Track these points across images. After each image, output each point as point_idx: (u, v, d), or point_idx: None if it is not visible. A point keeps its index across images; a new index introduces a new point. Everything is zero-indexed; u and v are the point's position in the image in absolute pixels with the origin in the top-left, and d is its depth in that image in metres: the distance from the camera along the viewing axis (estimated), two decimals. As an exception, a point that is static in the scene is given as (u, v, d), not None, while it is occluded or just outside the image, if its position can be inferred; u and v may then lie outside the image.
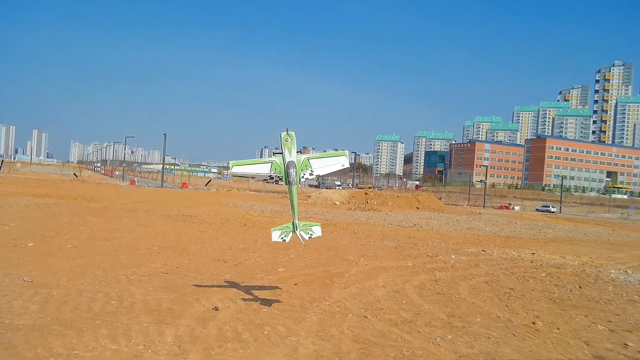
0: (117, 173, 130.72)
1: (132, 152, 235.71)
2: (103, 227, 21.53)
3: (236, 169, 9.77)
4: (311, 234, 9.70)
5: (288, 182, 9.77)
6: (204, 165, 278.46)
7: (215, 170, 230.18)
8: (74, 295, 10.10)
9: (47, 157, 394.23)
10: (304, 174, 9.99)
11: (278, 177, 9.85)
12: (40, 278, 11.35)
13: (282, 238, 9.61)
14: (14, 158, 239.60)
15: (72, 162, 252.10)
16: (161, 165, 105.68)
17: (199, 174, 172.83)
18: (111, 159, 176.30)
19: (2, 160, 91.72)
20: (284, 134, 10.09)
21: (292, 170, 9.77)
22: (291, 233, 9.64)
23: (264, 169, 9.84)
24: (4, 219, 21.37)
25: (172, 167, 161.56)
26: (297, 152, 10.17)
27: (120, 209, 30.88)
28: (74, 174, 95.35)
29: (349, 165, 10.49)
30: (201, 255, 16.19)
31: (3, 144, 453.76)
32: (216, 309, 9.85)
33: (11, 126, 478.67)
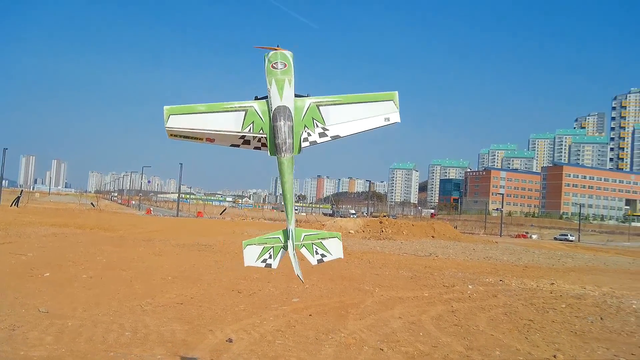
0: (133, 202, 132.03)
1: (149, 182, 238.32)
2: (119, 256, 21.64)
3: (175, 122, 5.22)
4: (323, 255, 5.32)
5: (275, 148, 5.27)
6: (219, 194, 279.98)
7: (231, 199, 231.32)
8: (89, 326, 10.10)
9: (66, 187, 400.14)
10: (309, 134, 5.36)
11: (260, 140, 5.38)
12: (56, 308, 11.39)
13: (264, 261, 5.28)
14: (33, 188, 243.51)
15: (90, 192, 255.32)
16: (177, 195, 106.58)
17: (214, 203, 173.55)
18: (128, 188, 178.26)
19: (22, 190, 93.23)
20: (270, 54, 5.47)
21: (282, 122, 5.24)
22: (281, 252, 5.31)
23: (229, 123, 5.31)
24: (22, 249, 21.59)
25: (188, 196, 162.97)
26: (294, 92, 5.47)
27: (136, 239, 31.06)
28: (92, 203, 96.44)
29: (398, 120, 5.39)
30: (215, 285, 16.15)
31: (23, 174, 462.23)
32: (230, 340, 9.77)
33: (31, 157, 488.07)
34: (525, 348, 10.56)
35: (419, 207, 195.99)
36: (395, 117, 5.39)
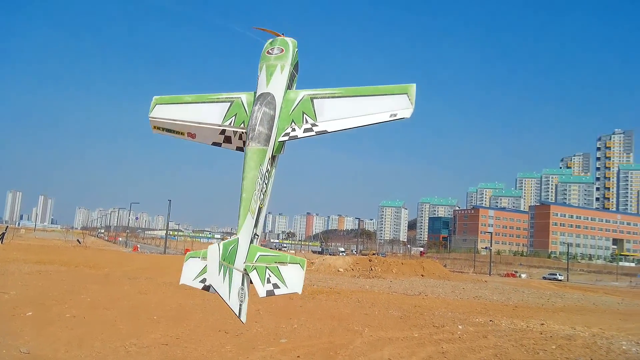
0: (120, 239, 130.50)
1: (137, 218, 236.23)
2: (104, 295, 21.26)
3: (160, 112, 4.97)
4: (276, 285, 4.08)
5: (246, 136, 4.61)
6: (208, 231, 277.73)
7: (219, 236, 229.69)
8: (71, 368, 9.85)
9: (52, 223, 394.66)
10: (292, 129, 4.66)
11: (241, 137, 4.80)
12: (38, 349, 11.11)
13: (202, 282, 4.29)
14: (19, 224, 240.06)
15: (76, 228, 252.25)
16: (165, 231, 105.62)
17: (202, 240, 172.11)
18: (115, 224, 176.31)
19: (7, 226, 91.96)
20: (269, 40, 5.11)
21: (256, 107, 4.63)
22: (222, 269, 3.97)
23: (212, 115, 4.87)
24: (5, 287, 21.12)
25: (176, 233, 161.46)
26: (289, 82, 4.95)
27: (122, 276, 30.57)
28: (77, 240, 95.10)
29: (408, 115, 4.52)
30: (202, 325, 15.87)
31: (9, 210, 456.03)
32: (216, 383, 9.55)
33: (18, 192, 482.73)
34: (515, 391, 10.44)
35: (408, 245, 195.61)
36: (405, 113, 4.52)
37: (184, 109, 4.96)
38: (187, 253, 4.61)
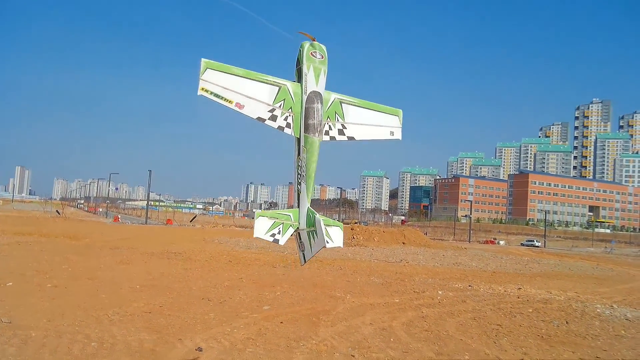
0: (100, 210, 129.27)
1: (117, 189, 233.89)
2: (85, 265, 21.15)
3: (212, 77, 5.21)
4: (328, 241, 5.37)
5: (306, 128, 5.59)
6: (189, 202, 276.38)
7: (201, 207, 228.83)
8: (53, 337, 9.83)
9: (30, 194, 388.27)
10: (330, 127, 5.75)
11: (285, 118, 5.56)
12: (19, 319, 11.05)
13: (272, 235, 5.36)
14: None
15: (55, 199, 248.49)
16: (146, 202, 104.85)
17: (184, 210, 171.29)
18: (95, 195, 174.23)
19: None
20: (310, 43, 5.72)
21: (319, 105, 5.61)
22: (290, 230, 5.52)
23: (262, 93, 5.48)
24: (-17, 258, 20.89)
25: (157, 203, 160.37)
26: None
27: (103, 247, 30.40)
28: (57, 211, 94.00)
29: (400, 137, 6.16)
30: (185, 293, 15.93)
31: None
32: (200, 349, 9.65)
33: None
34: (493, 352, 10.74)
35: (390, 214, 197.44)
36: (398, 134, 6.14)
37: (235, 80, 5.39)
38: (257, 212, 5.45)
